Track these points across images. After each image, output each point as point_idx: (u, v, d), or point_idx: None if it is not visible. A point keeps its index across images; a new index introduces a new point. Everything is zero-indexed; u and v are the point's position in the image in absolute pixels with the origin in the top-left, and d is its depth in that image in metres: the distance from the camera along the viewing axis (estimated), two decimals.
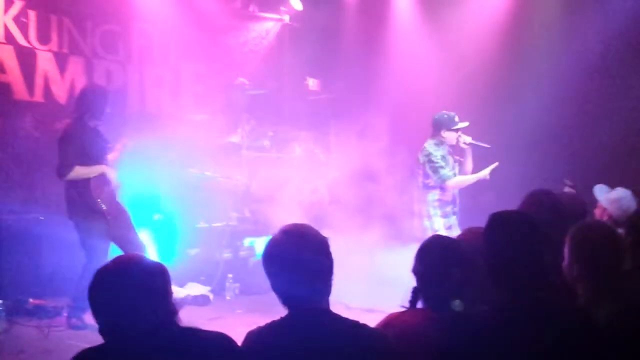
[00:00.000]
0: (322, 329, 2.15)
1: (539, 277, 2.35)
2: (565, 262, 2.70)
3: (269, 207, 6.59)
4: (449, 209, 5.66)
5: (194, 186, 6.77)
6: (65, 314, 5.14)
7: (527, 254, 2.35)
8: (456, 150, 5.81)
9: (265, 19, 8.43)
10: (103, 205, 5.03)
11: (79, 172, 4.97)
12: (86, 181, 5.00)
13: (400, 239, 6.16)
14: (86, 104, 5.11)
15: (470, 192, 5.93)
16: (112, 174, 5.17)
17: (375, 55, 8.23)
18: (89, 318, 4.93)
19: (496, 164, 5.59)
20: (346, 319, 2.20)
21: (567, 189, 4.73)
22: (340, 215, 6.78)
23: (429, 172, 5.59)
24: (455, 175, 5.64)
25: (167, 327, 2.04)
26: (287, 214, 6.55)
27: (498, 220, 2.47)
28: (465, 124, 5.68)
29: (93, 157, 5.06)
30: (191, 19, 7.47)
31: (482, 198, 6.11)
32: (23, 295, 5.38)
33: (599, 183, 4.63)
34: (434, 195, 5.63)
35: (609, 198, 4.43)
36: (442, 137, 5.68)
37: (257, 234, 6.93)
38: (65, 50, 6.78)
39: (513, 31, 7.23)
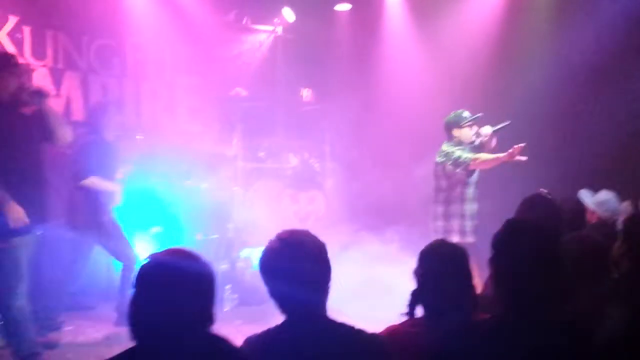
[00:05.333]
0: (320, 334, 2.18)
1: (545, 291, 2.31)
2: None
3: (266, 217, 6.62)
4: (467, 210, 5.43)
5: (191, 198, 6.80)
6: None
7: (535, 267, 2.30)
8: (484, 148, 5.49)
9: (259, 31, 8.49)
10: (106, 218, 5.26)
11: (94, 182, 5.19)
12: (97, 193, 5.21)
13: (401, 246, 6.19)
14: (95, 118, 5.38)
15: None
16: (118, 194, 5.40)
17: (369, 65, 8.30)
18: (55, 336, 4.97)
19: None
20: (344, 324, 2.24)
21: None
22: (338, 224, 6.81)
23: (450, 166, 5.32)
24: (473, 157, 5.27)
25: (202, 334, 1.98)
26: (284, 224, 6.59)
27: (512, 228, 2.43)
28: (477, 115, 5.42)
29: (103, 173, 5.28)
30: (185, 33, 7.53)
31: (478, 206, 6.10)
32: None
33: (596, 188, 4.77)
34: (451, 196, 5.42)
35: (595, 201, 4.66)
36: (456, 137, 5.45)
37: (254, 244, 6.95)
38: (60, 66, 6.81)
39: (505, 38, 7.29)
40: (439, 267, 2.48)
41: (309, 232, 2.29)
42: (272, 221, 6.54)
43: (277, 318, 2.25)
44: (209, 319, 2.00)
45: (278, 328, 2.22)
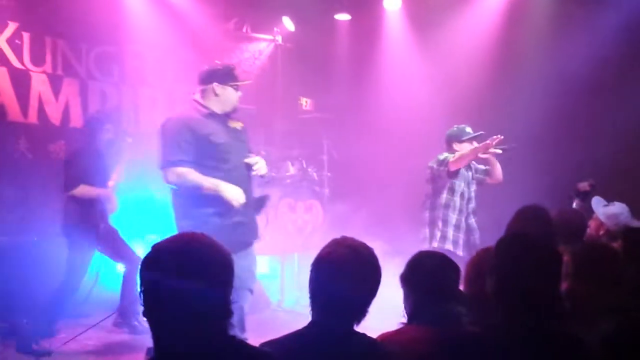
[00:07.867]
0: (343, 341, 2.18)
1: (544, 303, 2.36)
2: (564, 280, 2.73)
3: (263, 226, 6.58)
4: (451, 218, 5.36)
5: None
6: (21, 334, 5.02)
7: (535, 280, 2.34)
8: (481, 162, 5.59)
9: (258, 39, 8.51)
10: (102, 225, 5.26)
11: (84, 190, 5.17)
12: (91, 201, 5.20)
13: (398, 255, 6.15)
14: (92, 126, 5.43)
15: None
16: (113, 200, 5.41)
17: (368, 74, 8.31)
18: (48, 343, 4.89)
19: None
20: (365, 335, 2.25)
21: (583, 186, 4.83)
22: (335, 233, 6.77)
23: (435, 166, 5.32)
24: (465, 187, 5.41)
25: (220, 332, 1.77)
26: (281, 234, 6.57)
27: (509, 243, 2.49)
28: (479, 133, 5.40)
29: (96, 180, 5.26)
30: (185, 41, 7.54)
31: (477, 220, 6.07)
32: (17, 318, 5.36)
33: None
34: (436, 202, 5.39)
35: (606, 213, 4.49)
36: (455, 151, 5.39)
37: None
38: (59, 72, 6.82)
39: (503, 50, 7.31)
40: (429, 276, 2.52)
41: (365, 245, 2.31)
42: (270, 230, 6.51)
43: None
44: (227, 312, 1.77)
45: (294, 336, 2.21)
